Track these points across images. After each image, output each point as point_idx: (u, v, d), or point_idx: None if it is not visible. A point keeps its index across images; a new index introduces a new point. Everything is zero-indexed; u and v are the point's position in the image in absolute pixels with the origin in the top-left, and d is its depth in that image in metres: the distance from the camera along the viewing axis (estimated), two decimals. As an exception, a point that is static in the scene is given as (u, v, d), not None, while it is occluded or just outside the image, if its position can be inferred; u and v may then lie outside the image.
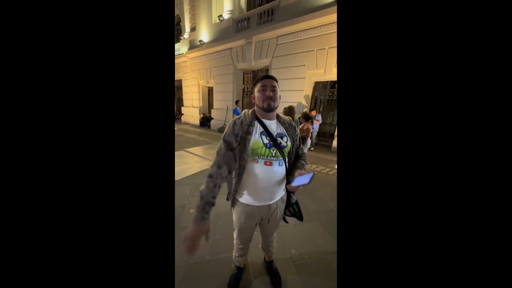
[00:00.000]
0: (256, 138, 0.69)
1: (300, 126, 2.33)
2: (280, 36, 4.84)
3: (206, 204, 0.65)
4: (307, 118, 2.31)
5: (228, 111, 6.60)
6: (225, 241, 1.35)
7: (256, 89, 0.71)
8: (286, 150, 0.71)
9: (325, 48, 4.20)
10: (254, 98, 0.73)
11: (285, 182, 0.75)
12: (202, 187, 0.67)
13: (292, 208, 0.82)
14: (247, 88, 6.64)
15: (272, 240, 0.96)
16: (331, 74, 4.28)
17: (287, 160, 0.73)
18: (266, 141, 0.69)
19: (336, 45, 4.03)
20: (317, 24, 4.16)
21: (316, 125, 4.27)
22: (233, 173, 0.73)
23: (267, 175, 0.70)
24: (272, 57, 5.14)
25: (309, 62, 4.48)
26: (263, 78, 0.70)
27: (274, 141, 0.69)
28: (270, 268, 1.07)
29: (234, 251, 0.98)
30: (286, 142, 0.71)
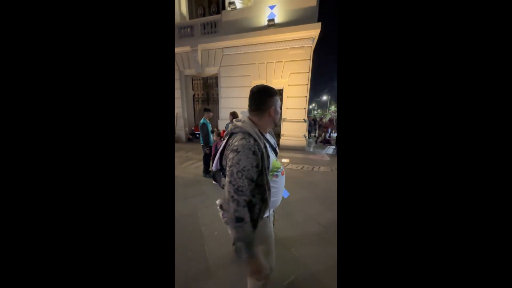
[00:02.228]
0: (272, 156, 0.63)
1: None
2: (226, 48, 5.22)
3: (250, 245, 0.55)
4: None
5: (178, 118, 6.19)
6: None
7: (277, 105, 0.64)
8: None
9: (264, 63, 4.96)
10: (272, 113, 0.63)
11: None
12: (236, 235, 0.55)
13: None
14: (198, 95, 6.53)
15: None
16: (271, 84, 5.09)
17: None
18: (273, 154, 0.66)
19: (272, 60, 4.88)
20: (255, 42, 4.86)
21: (264, 127, 4.90)
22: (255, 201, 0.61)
23: (283, 183, 0.71)
24: (220, 66, 5.42)
25: (253, 73, 5.12)
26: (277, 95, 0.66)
27: (275, 151, 0.69)
28: None
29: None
30: (278, 149, 0.73)
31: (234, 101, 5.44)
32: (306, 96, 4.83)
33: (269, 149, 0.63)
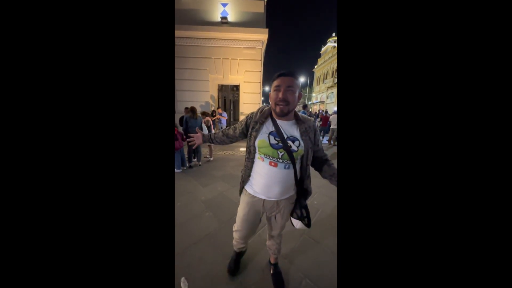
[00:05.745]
0: (263, 138, 0.68)
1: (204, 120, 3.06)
2: (179, 37, 5.03)
3: (210, 138, 0.88)
4: (206, 114, 3.14)
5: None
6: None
7: (272, 88, 0.66)
8: (297, 155, 0.68)
9: (220, 58, 5.19)
10: (270, 97, 0.69)
11: (293, 184, 0.73)
12: (217, 133, 0.88)
13: (300, 211, 0.77)
14: (148, 85, 5.94)
15: (277, 237, 0.91)
16: (228, 80, 5.43)
17: (298, 164, 0.71)
18: (274, 141, 0.67)
19: (228, 57, 5.18)
20: (210, 36, 4.98)
21: (223, 120, 5.24)
22: (246, 161, 0.76)
23: (270, 174, 0.69)
24: (174, 56, 5.18)
25: (210, 67, 5.25)
26: (280, 75, 0.64)
27: (284, 143, 0.66)
28: (274, 271, 1.00)
29: (233, 240, 0.95)
30: (298, 147, 0.67)
31: (192, 94, 5.40)
32: (259, 92, 5.52)
33: (265, 132, 0.69)
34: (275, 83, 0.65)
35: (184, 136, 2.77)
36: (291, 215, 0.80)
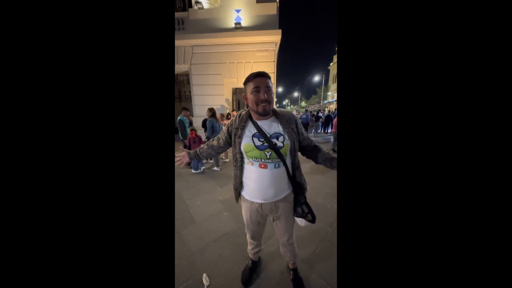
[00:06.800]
0: (247, 141, 0.68)
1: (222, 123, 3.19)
2: (195, 46, 5.34)
3: (197, 154, 0.87)
4: (222, 116, 3.28)
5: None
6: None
7: (248, 90, 0.65)
8: (284, 150, 0.68)
9: (234, 62, 5.35)
10: (246, 99, 0.69)
11: (287, 181, 0.73)
12: (203, 147, 0.86)
13: (301, 209, 0.76)
14: (168, 92, 6.41)
15: (289, 244, 0.87)
16: (242, 83, 5.54)
17: (288, 159, 0.71)
18: (259, 143, 0.67)
19: (241, 61, 5.31)
20: (225, 42, 5.18)
21: (238, 122, 5.37)
22: (234, 170, 0.77)
23: (262, 177, 0.69)
24: (191, 63, 5.52)
25: (224, 72, 5.45)
26: (256, 76, 0.64)
27: (268, 142, 0.67)
28: (294, 277, 0.97)
29: (248, 244, 1.00)
30: (283, 142, 0.67)
31: (208, 98, 5.66)
32: (273, 93, 5.51)
33: (248, 135, 0.70)
34: (253, 84, 0.64)
35: (203, 140, 2.89)
36: (294, 215, 0.80)
